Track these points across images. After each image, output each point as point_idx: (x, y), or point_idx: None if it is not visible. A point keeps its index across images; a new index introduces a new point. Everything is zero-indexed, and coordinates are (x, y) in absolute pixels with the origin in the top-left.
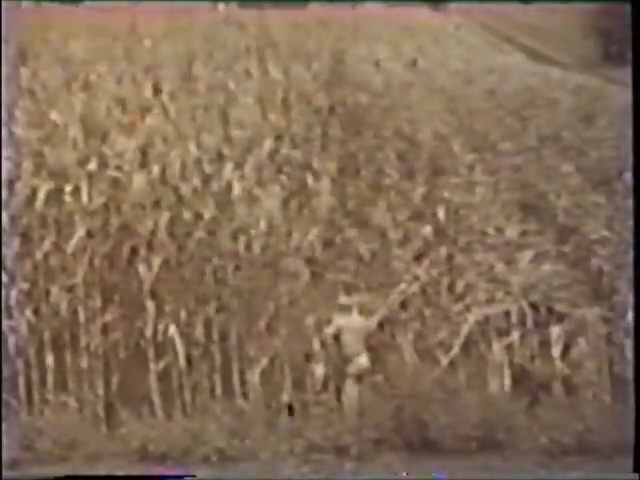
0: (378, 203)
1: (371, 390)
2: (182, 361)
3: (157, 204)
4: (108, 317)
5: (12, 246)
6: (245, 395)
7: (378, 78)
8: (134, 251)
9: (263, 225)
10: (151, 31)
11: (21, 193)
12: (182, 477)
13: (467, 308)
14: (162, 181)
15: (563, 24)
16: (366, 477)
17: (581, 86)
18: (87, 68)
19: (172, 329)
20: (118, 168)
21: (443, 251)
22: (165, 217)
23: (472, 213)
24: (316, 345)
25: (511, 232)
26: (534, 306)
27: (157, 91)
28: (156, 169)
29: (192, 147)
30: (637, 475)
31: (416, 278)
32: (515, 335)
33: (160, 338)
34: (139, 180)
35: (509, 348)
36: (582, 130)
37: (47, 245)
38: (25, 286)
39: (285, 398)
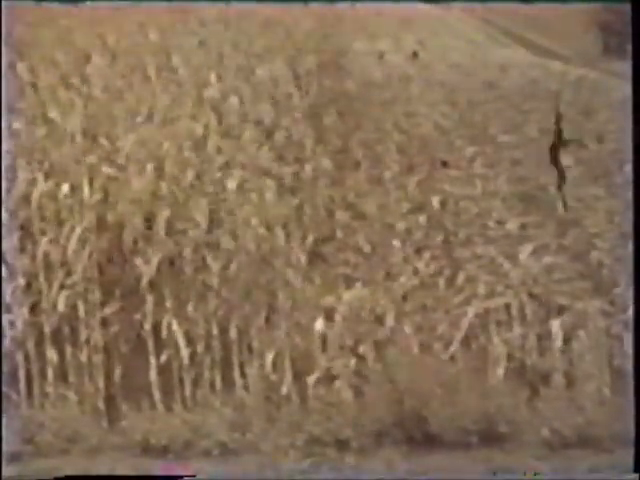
0: (378, 196)
1: (370, 383)
2: (182, 354)
3: (154, 199)
4: (108, 310)
5: (11, 240)
6: (246, 388)
7: (378, 71)
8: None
9: (262, 219)
10: (153, 26)
11: (20, 187)
12: (182, 477)
13: (467, 301)
14: (159, 177)
15: (563, 17)
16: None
17: (581, 79)
18: (87, 63)
19: (173, 323)
20: (117, 163)
21: (443, 244)
22: (163, 212)
23: (472, 206)
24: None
25: (511, 225)
26: (534, 299)
27: (153, 86)
28: (153, 165)
29: (189, 143)
30: (637, 475)
31: (416, 271)
32: (515, 328)
33: (160, 332)
34: (137, 176)
35: (509, 341)
36: (582, 123)
37: (46, 240)
38: (24, 280)
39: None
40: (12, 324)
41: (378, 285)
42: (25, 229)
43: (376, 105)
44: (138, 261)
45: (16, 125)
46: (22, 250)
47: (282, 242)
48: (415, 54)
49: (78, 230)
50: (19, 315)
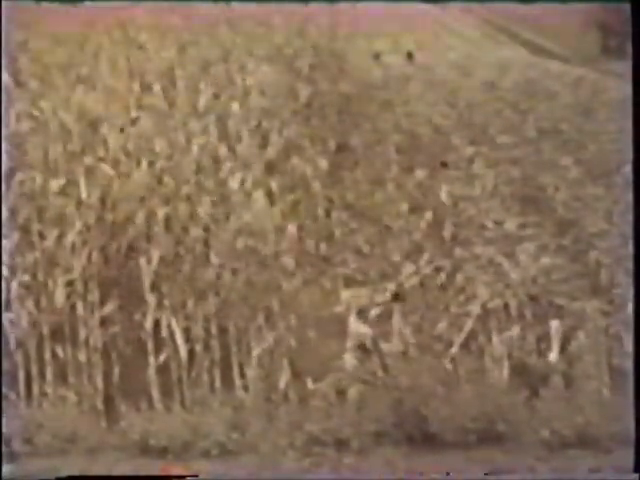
0: (377, 196)
1: (370, 383)
2: (182, 354)
3: (153, 198)
4: (107, 310)
5: (11, 239)
6: (245, 388)
7: (377, 72)
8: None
9: (260, 219)
10: (148, 26)
11: (20, 186)
12: (183, 477)
13: (466, 301)
14: (157, 177)
15: (562, 17)
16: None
17: (580, 79)
18: (83, 62)
19: (172, 323)
20: (114, 162)
21: (442, 244)
22: (161, 212)
23: (471, 206)
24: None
25: (510, 225)
26: (533, 299)
27: (150, 87)
28: (150, 165)
29: (186, 142)
30: (637, 476)
31: (416, 271)
32: (514, 328)
33: (160, 331)
34: (135, 175)
35: (508, 341)
36: (581, 123)
37: (47, 239)
38: (25, 279)
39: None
40: (13, 324)
41: (377, 285)
42: (25, 228)
43: (375, 106)
44: (138, 260)
45: (16, 125)
46: (22, 250)
47: (281, 243)
48: (410, 55)
49: (77, 228)
50: (20, 315)
